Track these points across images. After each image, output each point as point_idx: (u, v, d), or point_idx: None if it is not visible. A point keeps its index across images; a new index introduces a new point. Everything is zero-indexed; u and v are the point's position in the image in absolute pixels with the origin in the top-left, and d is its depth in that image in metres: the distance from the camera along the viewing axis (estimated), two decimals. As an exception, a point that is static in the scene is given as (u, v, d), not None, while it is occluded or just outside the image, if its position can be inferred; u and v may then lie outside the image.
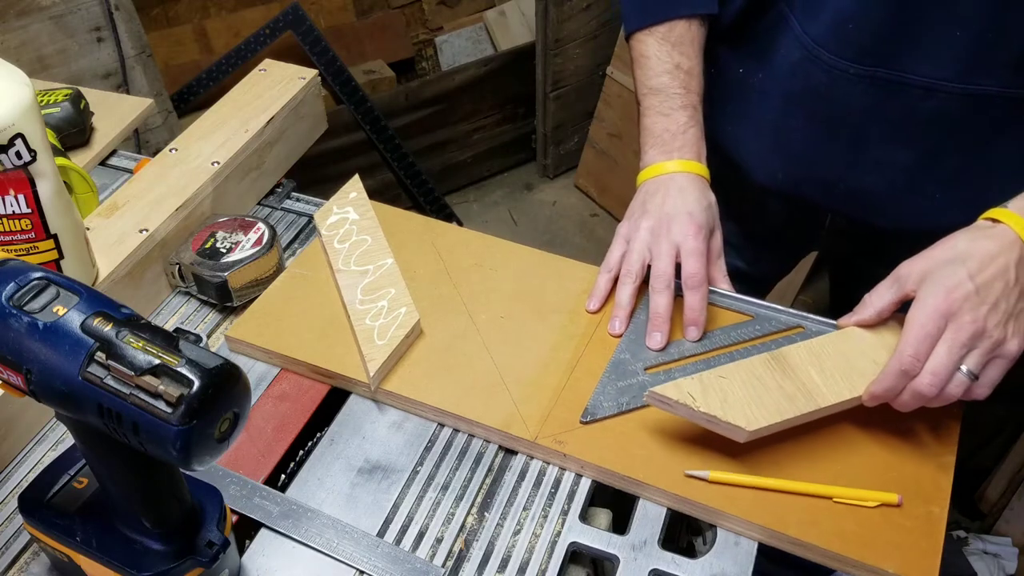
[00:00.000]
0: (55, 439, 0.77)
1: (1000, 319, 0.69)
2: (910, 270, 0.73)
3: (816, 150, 0.93)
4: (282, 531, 0.69)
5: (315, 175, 2.14)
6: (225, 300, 0.87)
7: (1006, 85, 0.81)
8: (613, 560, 0.68)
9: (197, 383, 0.48)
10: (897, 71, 0.83)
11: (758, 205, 1.07)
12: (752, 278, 0.96)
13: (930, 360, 0.69)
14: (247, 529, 0.70)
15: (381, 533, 0.70)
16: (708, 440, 0.73)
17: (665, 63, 0.91)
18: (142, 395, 0.48)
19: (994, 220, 0.73)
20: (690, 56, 0.91)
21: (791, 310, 0.86)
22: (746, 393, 0.72)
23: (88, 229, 0.85)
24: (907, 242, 0.77)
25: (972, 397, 0.71)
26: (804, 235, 1.12)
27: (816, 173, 0.95)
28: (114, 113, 1.10)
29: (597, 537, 0.70)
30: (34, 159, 0.71)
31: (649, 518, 0.71)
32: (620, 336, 0.83)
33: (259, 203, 1.02)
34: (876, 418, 0.75)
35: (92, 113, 1.07)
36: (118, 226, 0.87)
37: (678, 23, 0.91)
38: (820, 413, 0.73)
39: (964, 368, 0.69)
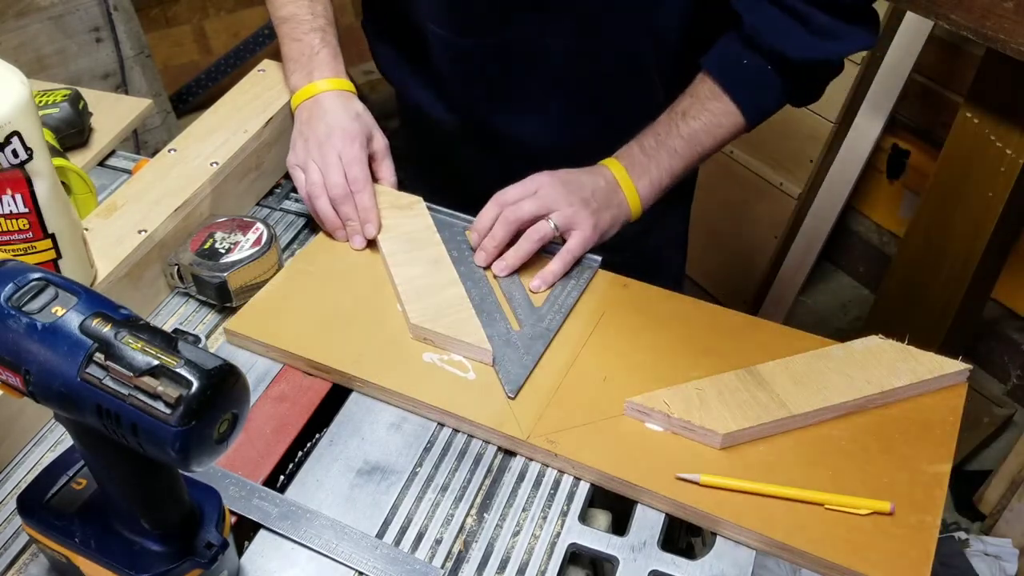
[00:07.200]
0: (54, 440, 0.77)
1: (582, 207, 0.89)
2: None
3: None
4: (281, 532, 0.69)
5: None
6: (224, 300, 0.87)
7: None
8: (613, 561, 0.68)
9: (196, 384, 0.48)
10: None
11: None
12: None
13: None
14: (246, 530, 0.70)
15: (380, 534, 0.70)
16: (703, 444, 0.74)
17: None
18: (141, 396, 0.48)
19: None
20: None
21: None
22: (720, 402, 0.75)
23: (87, 230, 0.85)
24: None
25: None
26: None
27: None
28: (113, 114, 1.10)
29: (596, 538, 0.70)
30: (30, 158, 0.70)
31: (648, 519, 0.71)
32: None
33: (258, 203, 1.02)
34: (872, 426, 0.75)
35: (91, 114, 1.07)
36: (117, 227, 0.87)
37: None
38: (795, 421, 0.75)
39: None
